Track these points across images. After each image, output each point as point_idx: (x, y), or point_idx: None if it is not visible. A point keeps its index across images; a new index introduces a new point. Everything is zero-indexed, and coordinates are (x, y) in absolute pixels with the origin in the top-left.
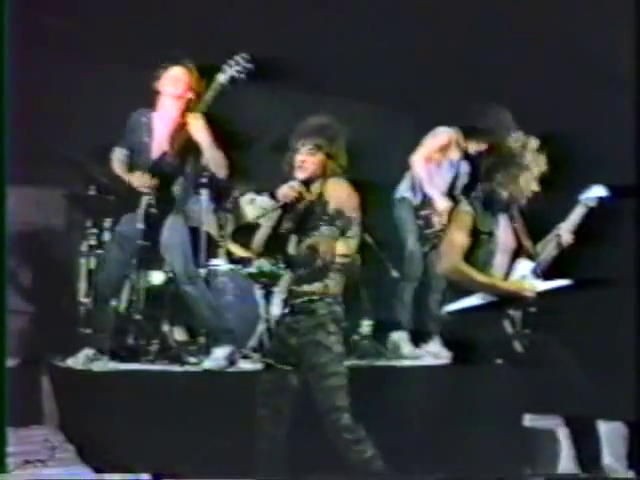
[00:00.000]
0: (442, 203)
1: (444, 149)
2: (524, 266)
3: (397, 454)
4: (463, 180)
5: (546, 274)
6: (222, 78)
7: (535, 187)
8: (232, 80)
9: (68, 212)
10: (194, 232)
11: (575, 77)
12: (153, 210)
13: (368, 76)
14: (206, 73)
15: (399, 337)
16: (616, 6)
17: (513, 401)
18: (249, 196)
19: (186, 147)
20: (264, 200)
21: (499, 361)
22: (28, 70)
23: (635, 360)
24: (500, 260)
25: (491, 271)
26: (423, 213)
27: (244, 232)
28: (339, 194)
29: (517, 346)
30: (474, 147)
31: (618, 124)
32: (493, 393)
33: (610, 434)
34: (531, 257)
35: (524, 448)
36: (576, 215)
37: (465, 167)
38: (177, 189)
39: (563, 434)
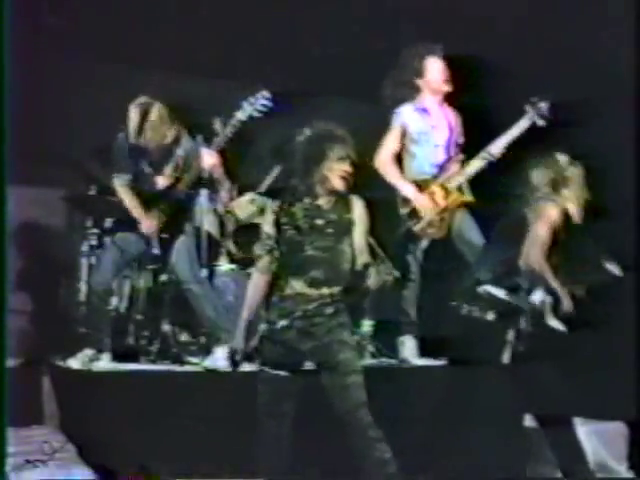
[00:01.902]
0: (409, 192)
1: (405, 129)
2: None
3: (397, 454)
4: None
5: None
6: (241, 116)
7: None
8: (250, 118)
9: (68, 212)
10: (195, 232)
11: (575, 76)
12: (165, 235)
13: (368, 76)
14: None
15: (405, 342)
16: (616, 6)
17: (513, 402)
18: (249, 196)
19: (199, 178)
20: (264, 200)
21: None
22: (28, 70)
23: (635, 360)
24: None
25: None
26: (405, 211)
27: (245, 232)
28: (365, 216)
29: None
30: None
31: (618, 124)
32: (492, 394)
33: (610, 434)
34: None
35: (524, 448)
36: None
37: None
38: (188, 214)
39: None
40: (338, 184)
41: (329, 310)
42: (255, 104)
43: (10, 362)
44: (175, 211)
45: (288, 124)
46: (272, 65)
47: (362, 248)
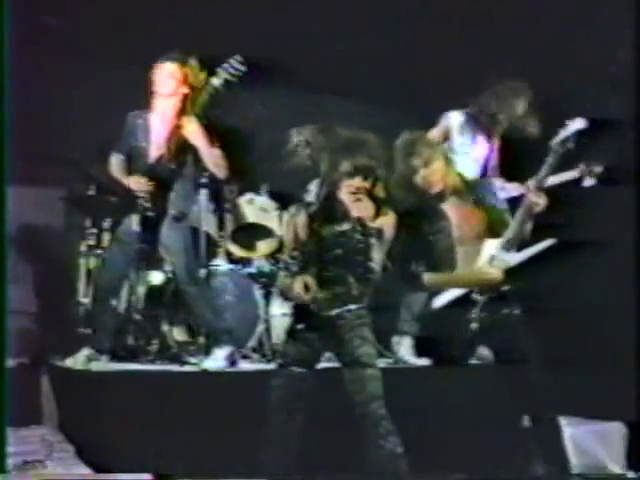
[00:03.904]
0: None
1: (449, 132)
2: (491, 245)
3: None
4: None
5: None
6: (216, 82)
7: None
8: (226, 83)
9: (68, 212)
10: (193, 232)
11: (575, 77)
12: (150, 213)
13: (368, 76)
14: (206, 65)
15: (399, 342)
16: (616, 6)
17: (512, 402)
18: (248, 196)
19: (183, 149)
20: (263, 200)
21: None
22: (28, 70)
23: (635, 360)
24: (463, 250)
25: (455, 263)
26: None
27: (244, 232)
28: (392, 229)
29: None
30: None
31: (618, 124)
32: (491, 394)
33: (609, 434)
34: (498, 234)
35: (523, 448)
36: (546, 166)
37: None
38: (175, 191)
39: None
40: (347, 199)
41: (354, 313)
42: (229, 69)
43: (10, 362)
44: (161, 188)
45: (288, 124)
46: (271, 63)
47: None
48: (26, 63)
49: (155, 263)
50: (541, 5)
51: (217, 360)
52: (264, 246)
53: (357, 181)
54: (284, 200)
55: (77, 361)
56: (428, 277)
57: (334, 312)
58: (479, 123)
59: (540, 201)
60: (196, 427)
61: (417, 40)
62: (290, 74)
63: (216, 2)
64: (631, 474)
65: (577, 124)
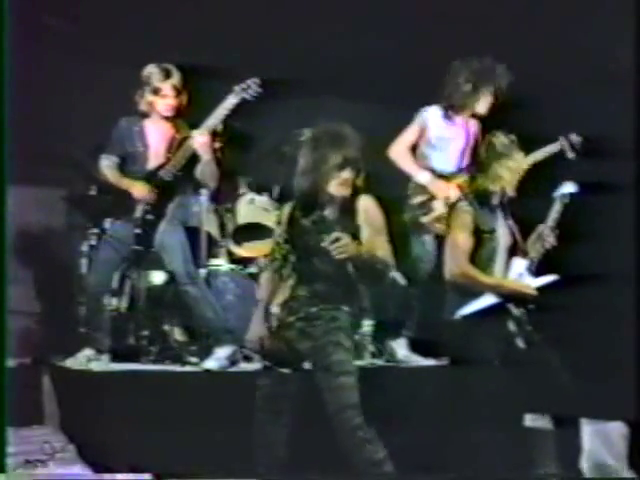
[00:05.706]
0: (425, 177)
1: (424, 129)
2: (519, 264)
3: (395, 455)
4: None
5: (536, 271)
6: (233, 99)
7: (514, 184)
8: (242, 102)
9: (68, 212)
10: (194, 232)
11: (575, 77)
12: (149, 216)
13: (368, 76)
14: (190, 73)
15: (396, 342)
16: (616, 6)
17: (513, 401)
18: (249, 196)
19: (191, 159)
20: (264, 200)
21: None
22: (28, 70)
23: (635, 360)
24: (500, 259)
25: (492, 270)
26: (416, 201)
27: (244, 232)
28: (372, 214)
29: (520, 344)
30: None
31: (618, 124)
32: (492, 394)
33: (610, 434)
34: (525, 255)
35: (524, 448)
36: (554, 212)
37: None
38: (173, 197)
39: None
40: (336, 191)
41: (330, 314)
42: (247, 89)
43: (10, 362)
44: (160, 192)
45: (288, 124)
46: (272, 63)
47: (376, 249)
48: (26, 63)
49: (156, 263)
50: (541, 5)
51: (218, 360)
52: (265, 246)
53: (347, 173)
54: (285, 200)
55: (77, 361)
56: (475, 274)
57: (312, 310)
58: (455, 112)
59: (552, 240)
60: (196, 427)
61: (417, 40)
62: (290, 75)
63: (216, 3)
64: (631, 474)
65: (569, 187)
